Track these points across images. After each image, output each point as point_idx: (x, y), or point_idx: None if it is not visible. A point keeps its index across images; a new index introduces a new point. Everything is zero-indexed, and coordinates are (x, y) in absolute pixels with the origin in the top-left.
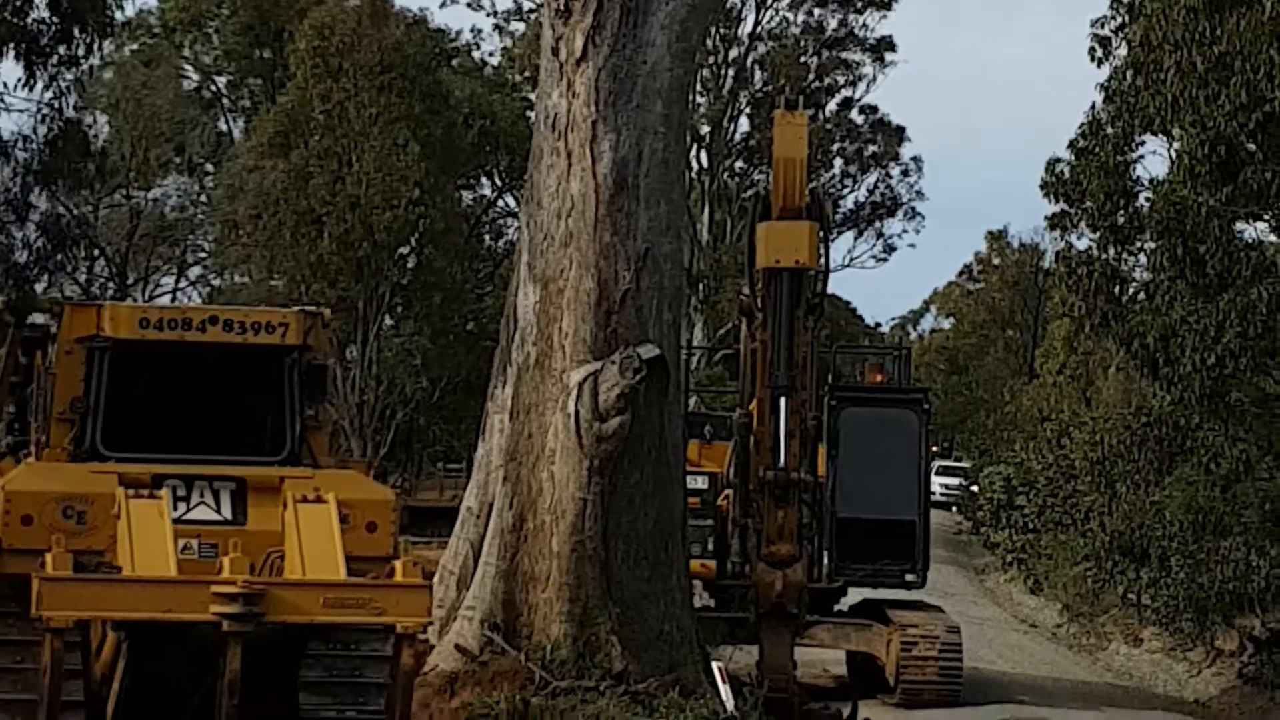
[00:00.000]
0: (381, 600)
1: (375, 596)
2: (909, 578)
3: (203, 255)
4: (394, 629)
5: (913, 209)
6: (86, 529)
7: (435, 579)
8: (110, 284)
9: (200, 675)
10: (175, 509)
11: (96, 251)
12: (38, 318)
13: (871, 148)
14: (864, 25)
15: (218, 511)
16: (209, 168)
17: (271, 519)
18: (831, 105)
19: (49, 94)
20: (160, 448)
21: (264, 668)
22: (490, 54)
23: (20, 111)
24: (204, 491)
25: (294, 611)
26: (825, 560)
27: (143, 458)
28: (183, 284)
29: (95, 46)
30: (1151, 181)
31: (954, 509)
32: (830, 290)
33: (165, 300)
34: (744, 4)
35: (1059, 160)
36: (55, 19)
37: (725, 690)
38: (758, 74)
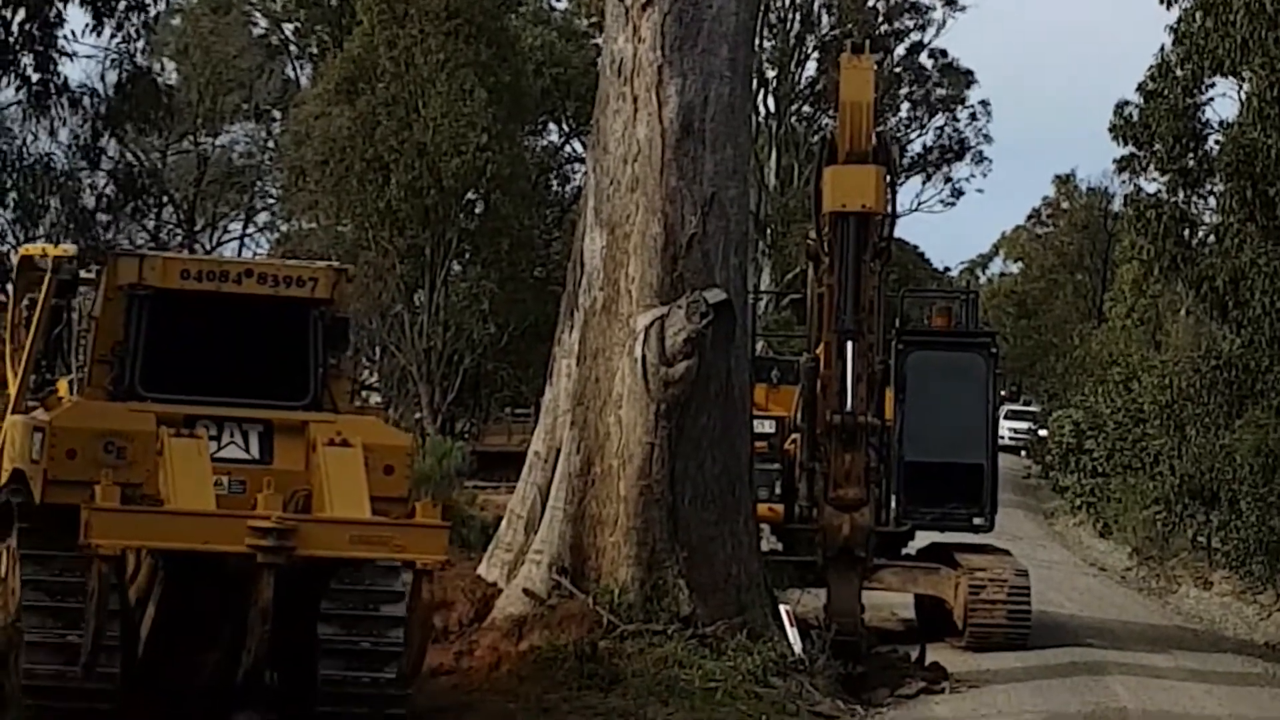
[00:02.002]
0: (402, 538)
1: (397, 535)
2: (977, 521)
3: (270, 201)
4: (414, 565)
5: (980, 153)
6: (126, 463)
7: (503, 523)
8: (178, 230)
9: (229, 605)
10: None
11: (165, 198)
12: (86, 271)
13: (939, 91)
14: None
15: (246, 451)
16: (276, 114)
17: (295, 459)
18: (900, 49)
19: (117, 40)
20: (194, 390)
21: (289, 599)
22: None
23: (88, 58)
24: (234, 432)
25: (322, 546)
26: (893, 504)
27: (178, 399)
28: (250, 230)
29: None
30: (1221, 124)
31: (1022, 453)
32: (897, 234)
33: (233, 246)
34: None
35: (1128, 103)
36: None
37: (793, 633)
38: (825, 18)
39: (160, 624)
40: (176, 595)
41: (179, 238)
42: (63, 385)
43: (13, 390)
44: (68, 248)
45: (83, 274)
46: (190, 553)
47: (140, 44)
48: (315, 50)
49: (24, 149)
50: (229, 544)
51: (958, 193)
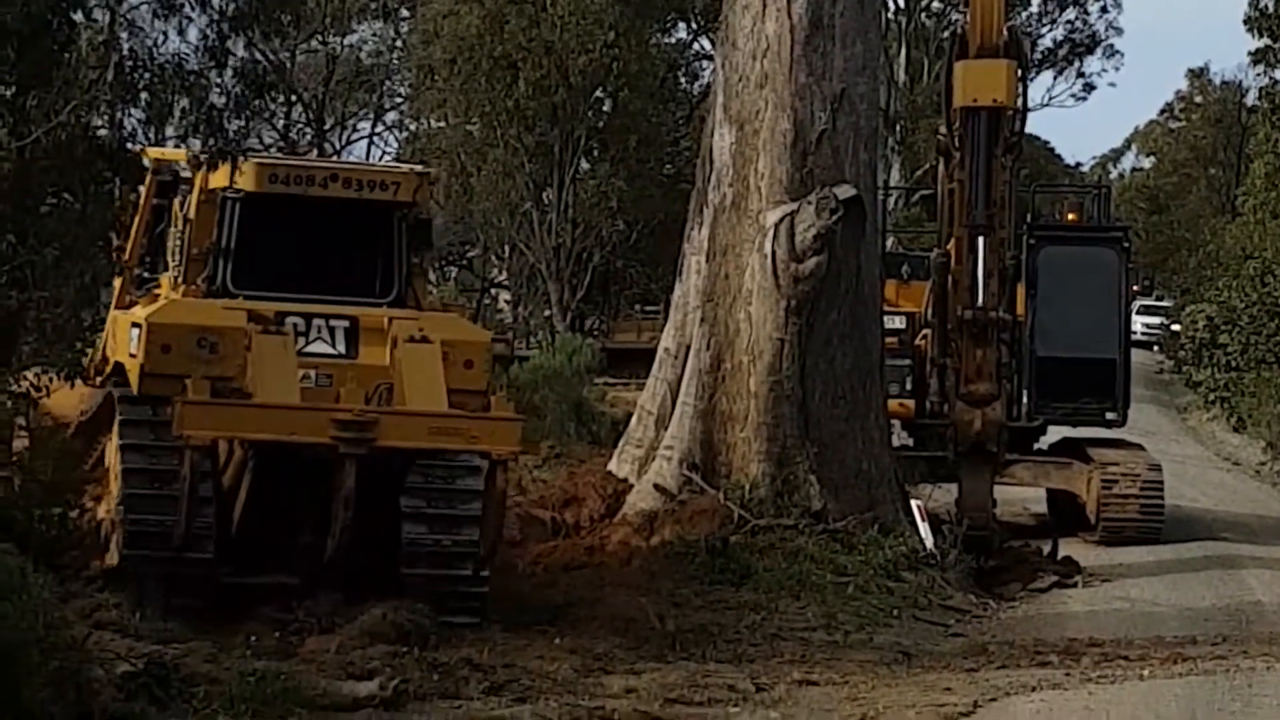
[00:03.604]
0: (478, 430)
1: (472, 427)
2: (1109, 416)
3: (399, 100)
4: (489, 455)
5: (1111, 46)
6: (218, 358)
7: (633, 419)
8: (308, 130)
9: (315, 493)
10: (295, 343)
11: (294, 98)
12: (178, 166)
13: None
14: None
15: (333, 346)
16: (404, 13)
17: (379, 355)
18: None
19: None
20: (283, 288)
21: (372, 489)
22: None
23: None
24: (321, 328)
25: (401, 437)
26: (1024, 399)
27: (268, 296)
28: (379, 129)
29: None
30: None
31: (1155, 348)
32: (1028, 130)
33: (363, 145)
34: None
35: None
36: None
37: (924, 528)
38: None
39: (251, 510)
40: (266, 483)
41: (308, 137)
42: (165, 283)
43: (116, 287)
44: (176, 152)
45: (183, 174)
46: (276, 443)
47: None
48: None
49: (154, 49)
50: (313, 435)
51: (1089, 87)
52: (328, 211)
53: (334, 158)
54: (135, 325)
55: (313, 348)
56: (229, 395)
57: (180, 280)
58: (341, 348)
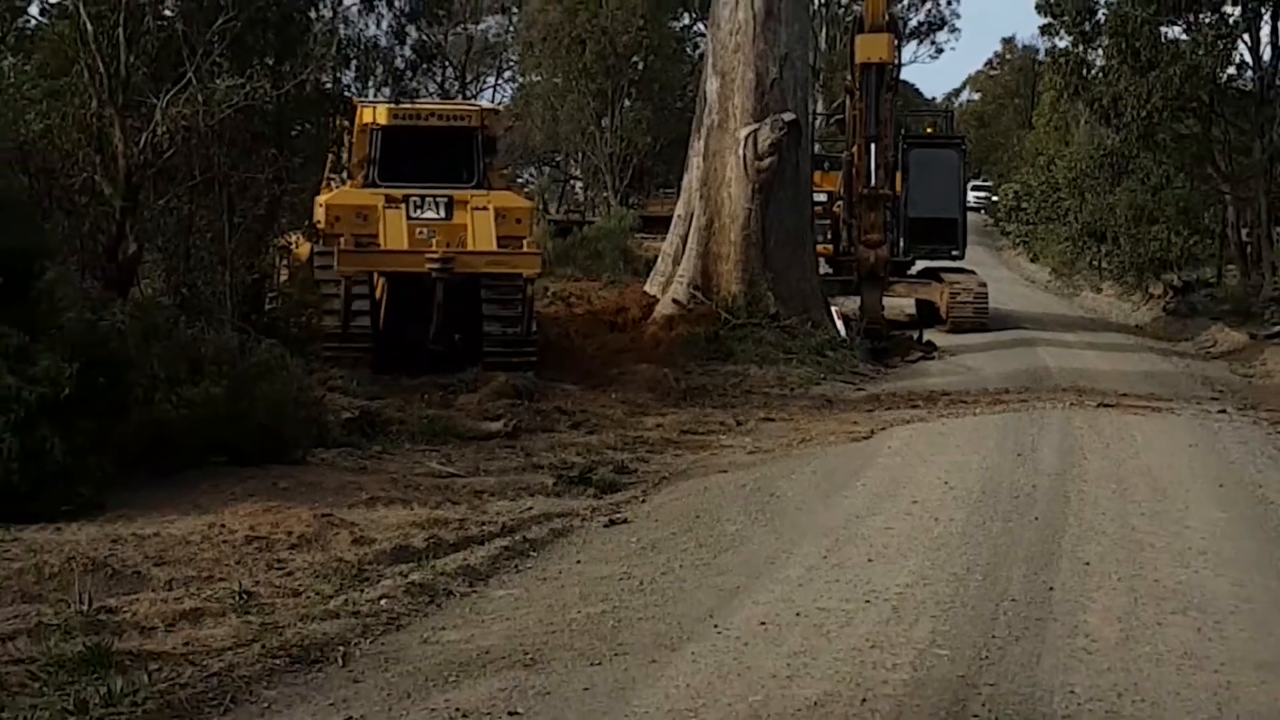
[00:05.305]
0: (515, 261)
1: (512, 259)
2: (954, 254)
3: (512, 64)
4: (522, 275)
5: (954, 25)
6: (365, 223)
7: (659, 259)
8: (454, 83)
9: (425, 301)
10: (413, 212)
11: (446, 64)
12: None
13: None
14: None
15: (437, 213)
16: (514, 10)
17: (465, 217)
18: None
19: None
20: (408, 180)
21: (459, 299)
22: None
23: None
24: (430, 202)
25: (469, 266)
26: (901, 244)
27: (398, 186)
28: (500, 83)
29: None
30: (1106, 2)
31: (982, 212)
32: (902, 77)
33: (488, 94)
34: None
35: None
36: None
37: (840, 324)
38: None
39: (390, 311)
40: (397, 297)
41: (456, 87)
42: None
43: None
44: (354, 99)
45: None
46: (396, 273)
47: None
48: None
49: (360, 33)
50: (415, 267)
51: (939, 50)
52: (432, 134)
53: (458, 100)
54: (320, 205)
55: (425, 215)
56: (369, 246)
57: (347, 179)
58: (442, 214)
